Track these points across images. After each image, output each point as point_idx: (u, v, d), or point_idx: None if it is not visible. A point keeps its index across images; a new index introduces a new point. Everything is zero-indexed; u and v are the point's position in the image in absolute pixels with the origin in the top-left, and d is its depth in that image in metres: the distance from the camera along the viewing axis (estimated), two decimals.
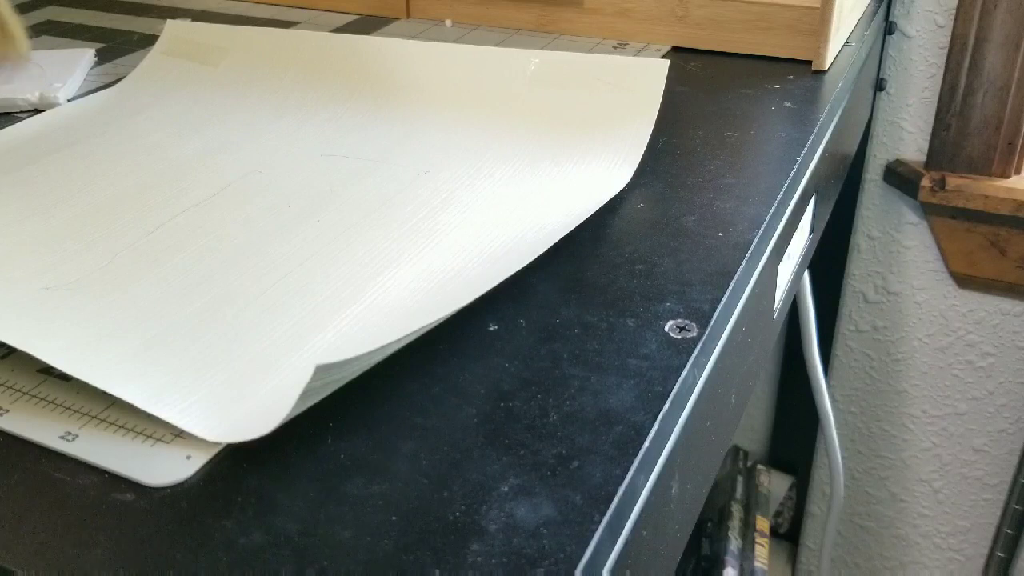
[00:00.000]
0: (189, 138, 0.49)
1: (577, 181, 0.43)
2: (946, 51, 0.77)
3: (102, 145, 0.49)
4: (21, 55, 0.59)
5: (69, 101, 0.56)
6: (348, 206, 0.41)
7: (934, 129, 0.80)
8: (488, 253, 0.37)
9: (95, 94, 0.56)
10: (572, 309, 0.35)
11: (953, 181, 0.80)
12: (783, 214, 0.43)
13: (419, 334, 0.31)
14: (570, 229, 0.38)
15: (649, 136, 0.45)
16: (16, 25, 0.59)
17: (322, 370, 0.26)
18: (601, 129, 0.47)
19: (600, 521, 0.25)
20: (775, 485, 1.02)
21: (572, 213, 0.39)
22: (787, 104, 0.52)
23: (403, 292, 0.35)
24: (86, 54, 0.62)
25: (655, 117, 0.46)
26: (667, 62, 0.48)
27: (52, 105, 0.55)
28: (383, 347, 0.29)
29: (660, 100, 0.47)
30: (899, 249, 0.88)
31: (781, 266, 0.45)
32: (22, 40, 0.59)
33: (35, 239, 0.40)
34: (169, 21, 0.61)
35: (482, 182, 0.43)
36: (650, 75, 0.48)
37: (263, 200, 0.42)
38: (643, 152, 0.44)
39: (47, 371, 0.32)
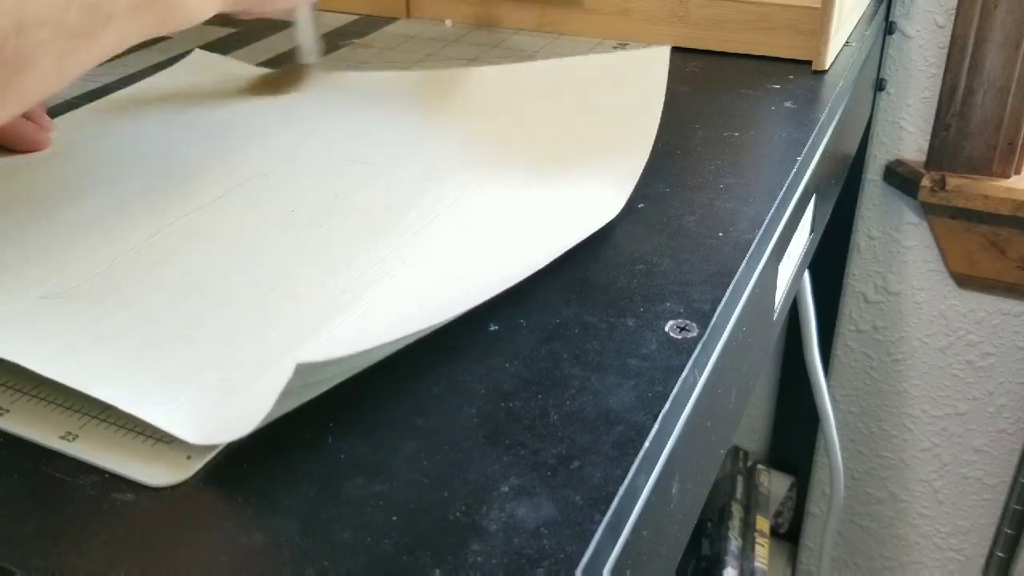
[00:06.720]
0: (198, 141, 0.49)
1: (582, 194, 0.42)
2: (946, 51, 0.77)
3: (110, 147, 0.49)
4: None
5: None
6: (354, 212, 0.41)
7: (934, 129, 0.80)
8: (489, 264, 0.37)
9: (107, 97, 0.56)
10: (572, 309, 0.35)
11: (953, 181, 0.80)
12: (783, 214, 0.43)
13: (411, 340, 0.31)
14: (573, 244, 0.37)
15: (655, 133, 0.45)
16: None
17: (303, 369, 0.26)
18: (607, 134, 0.46)
19: (600, 521, 0.25)
20: (775, 485, 1.02)
21: (576, 226, 0.39)
22: (787, 104, 0.52)
23: (400, 300, 0.35)
24: None
25: (660, 109, 0.45)
26: (668, 48, 0.48)
27: None
28: (370, 350, 0.28)
29: (664, 89, 0.46)
30: (899, 249, 0.88)
31: (781, 266, 0.45)
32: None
33: (38, 244, 0.39)
34: (196, 50, 0.62)
35: (487, 190, 0.43)
36: (652, 64, 0.48)
37: (267, 204, 0.42)
38: (647, 159, 0.44)
39: None
